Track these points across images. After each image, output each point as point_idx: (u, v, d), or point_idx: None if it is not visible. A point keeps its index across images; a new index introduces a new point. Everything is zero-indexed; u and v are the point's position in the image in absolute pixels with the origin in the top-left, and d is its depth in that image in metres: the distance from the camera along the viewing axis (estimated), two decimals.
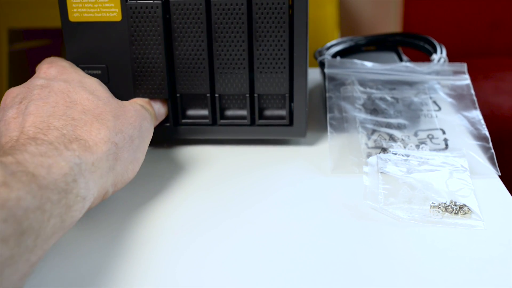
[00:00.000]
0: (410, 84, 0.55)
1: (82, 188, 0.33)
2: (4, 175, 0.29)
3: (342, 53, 0.66)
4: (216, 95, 0.50)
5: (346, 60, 0.57)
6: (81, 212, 0.33)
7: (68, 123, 0.36)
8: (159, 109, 0.49)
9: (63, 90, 0.39)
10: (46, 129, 0.35)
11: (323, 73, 0.58)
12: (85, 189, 0.33)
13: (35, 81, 0.41)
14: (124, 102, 0.43)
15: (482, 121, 0.51)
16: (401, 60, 0.63)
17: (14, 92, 0.40)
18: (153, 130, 0.45)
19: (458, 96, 0.54)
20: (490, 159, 0.47)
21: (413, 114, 0.52)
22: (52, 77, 0.41)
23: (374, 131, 0.51)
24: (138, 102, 0.46)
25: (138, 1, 0.47)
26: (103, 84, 0.43)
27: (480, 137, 0.49)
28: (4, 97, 0.41)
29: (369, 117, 0.52)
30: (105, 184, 0.37)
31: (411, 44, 0.66)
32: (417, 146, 0.48)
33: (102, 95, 0.41)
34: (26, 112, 0.37)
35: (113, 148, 0.37)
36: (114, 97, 0.42)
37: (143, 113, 0.43)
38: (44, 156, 0.32)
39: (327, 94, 0.54)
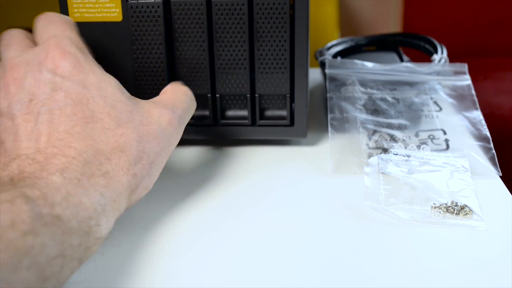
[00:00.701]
0: (411, 84, 0.55)
1: (104, 229, 0.31)
2: (31, 217, 0.26)
3: (343, 53, 0.66)
4: (217, 95, 0.50)
5: (347, 61, 0.57)
6: (97, 249, 0.32)
7: (88, 144, 0.33)
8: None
9: (81, 98, 0.34)
10: (66, 149, 0.32)
11: (324, 73, 0.58)
12: (106, 229, 0.32)
13: (45, 76, 0.35)
14: (151, 115, 0.37)
15: (483, 122, 0.51)
16: (401, 60, 0.63)
17: (19, 71, 0.35)
18: (172, 149, 0.40)
19: (459, 96, 0.54)
20: (491, 159, 0.47)
21: (414, 114, 0.52)
22: (66, 75, 0.35)
23: (375, 131, 0.51)
24: (169, 104, 0.40)
25: (139, 1, 0.47)
26: (121, 87, 0.38)
27: (481, 138, 0.49)
28: (4, 70, 0.35)
29: (370, 117, 0.52)
30: (121, 213, 0.35)
31: (412, 44, 0.66)
32: (418, 147, 0.48)
33: (123, 108, 0.36)
34: (39, 119, 0.33)
35: (133, 181, 0.34)
36: (135, 103, 0.37)
37: (169, 131, 0.38)
38: (70, 194, 0.29)
39: (328, 95, 0.54)
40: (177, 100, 0.41)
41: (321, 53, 0.63)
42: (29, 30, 0.43)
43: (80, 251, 0.29)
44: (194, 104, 0.44)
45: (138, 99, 0.39)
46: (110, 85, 0.37)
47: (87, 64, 0.37)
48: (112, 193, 0.32)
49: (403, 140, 0.49)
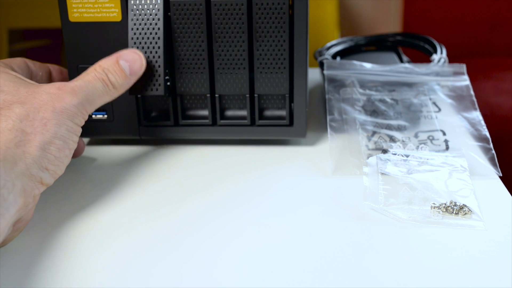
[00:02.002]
0: (410, 85, 0.55)
1: None
2: None
3: (342, 53, 0.66)
4: (216, 95, 0.50)
5: (345, 62, 0.57)
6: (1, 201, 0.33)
7: None
8: (132, 67, 0.46)
9: None
10: None
11: (323, 74, 0.58)
12: None
13: None
14: (39, 88, 0.41)
15: (483, 122, 0.51)
16: (401, 60, 0.63)
17: None
18: (79, 106, 0.41)
19: (457, 97, 0.54)
20: (491, 160, 0.47)
21: (413, 115, 0.52)
22: None
23: (374, 132, 0.51)
24: (93, 70, 0.44)
25: (140, 0, 0.47)
26: (13, 75, 0.41)
27: (480, 138, 0.49)
28: None
29: (369, 118, 0.52)
30: (29, 171, 0.36)
31: (411, 44, 0.66)
32: (417, 147, 0.48)
33: (9, 88, 0.40)
34: None
35: (20, 135, 0.37)
36: (26, 85, 0.41)
37: (59, 95, 0.40)
38: None
39: (327, 96, 0.54)
40: (83, 86, 0.43)
41: (321, 53, 0.63)
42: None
43: None
44: (103, 89, 0.44)
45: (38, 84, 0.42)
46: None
47: None
48: None
49: (403, 141, 0.49)
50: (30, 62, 0.48)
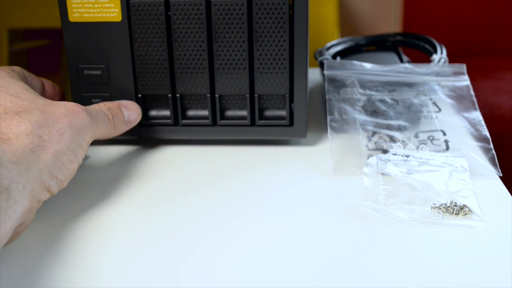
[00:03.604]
0: (410, 85, 0.55)
1: (4, 178, 0.33)
2: None
3: (342, 53, 0.66)
4: (216, 95, 0.50)
5: (345, 62, 0.57)
6: (8, 202, 0.33)
7: None
8: (130, 116, 0.49)
9: None
10: None
11: (323, 74, 0.58)
12: (7, 179, 0.34)
13: None
14: (56, 102, 0.42)
15: (483, 122, 0.51)
16: (401, 60, 0.63)
17: None
18: (90, 126, 0.43)
19: (458, 97, 0.54)
20: (491, 160, 0.47)
21: (413, 115, 0.52)
22: None
23: (374, 133, 0.51)
24: (100, 106, 0.46)
25: (141, 0, 0.47)
26: (30, 89, 0.43)
27: (481, 138, 0.49)
28: None
29: (369, 119, 0.52)
30: (41, 177, 0.37)
31: (411, 44, 0.66)
32: (417, 147, 0.48)
33: (27, 96, 0.41)
34: None
35: (37, 141, 0.38)
36: (43, 98, 0.42)
37: (76, 111, 0.42)
38: None
39: (327, 96, 0.54)
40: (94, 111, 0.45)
41: (321, 53, 0.63)
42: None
43: None
44: (108, 124, 0.47)
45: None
46: (15, 85, 0.42)
47: None
48: (9, 147, 0.36)
49: (403, 141, 0.49)
50: (26, 73, 0.49)
